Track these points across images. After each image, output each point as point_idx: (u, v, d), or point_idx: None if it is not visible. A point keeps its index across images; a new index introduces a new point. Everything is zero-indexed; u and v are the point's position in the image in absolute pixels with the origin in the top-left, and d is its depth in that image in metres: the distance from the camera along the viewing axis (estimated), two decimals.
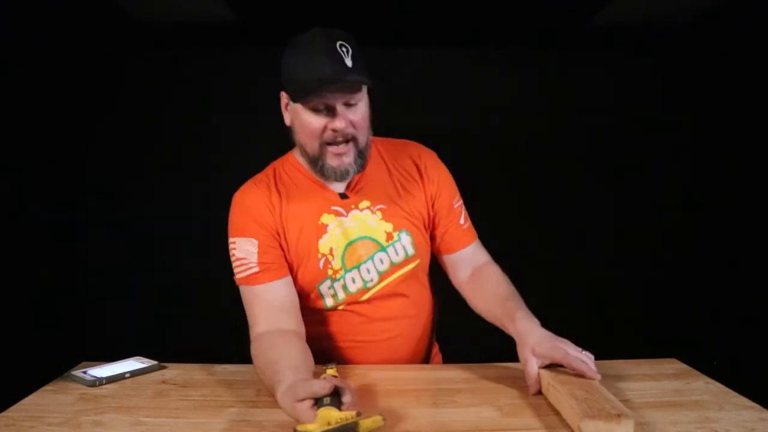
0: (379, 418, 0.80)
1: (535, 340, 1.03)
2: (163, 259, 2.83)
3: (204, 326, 2.69)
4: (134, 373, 1.08)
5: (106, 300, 2.85)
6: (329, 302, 1.21)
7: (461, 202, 1.32)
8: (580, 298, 2.87)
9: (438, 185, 1.27)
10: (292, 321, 1.12)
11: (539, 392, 0.99)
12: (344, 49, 1.05)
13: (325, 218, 1.19)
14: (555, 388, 0.92)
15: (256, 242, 1.15)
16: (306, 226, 1.18)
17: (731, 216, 2.82)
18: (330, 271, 1.18)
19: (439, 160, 1.31)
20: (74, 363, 1.12)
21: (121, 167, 2.85)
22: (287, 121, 1.19)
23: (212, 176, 2.70)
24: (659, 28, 2.62)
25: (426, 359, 1.33)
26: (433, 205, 1.27)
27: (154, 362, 1.14)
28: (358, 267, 1.19)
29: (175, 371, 1.11)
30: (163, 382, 1.06)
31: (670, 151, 2.92)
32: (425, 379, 1.13)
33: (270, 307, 1.12)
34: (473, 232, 1.33)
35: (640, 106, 2.91)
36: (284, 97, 1.16)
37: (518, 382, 1.05)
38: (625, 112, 2.90)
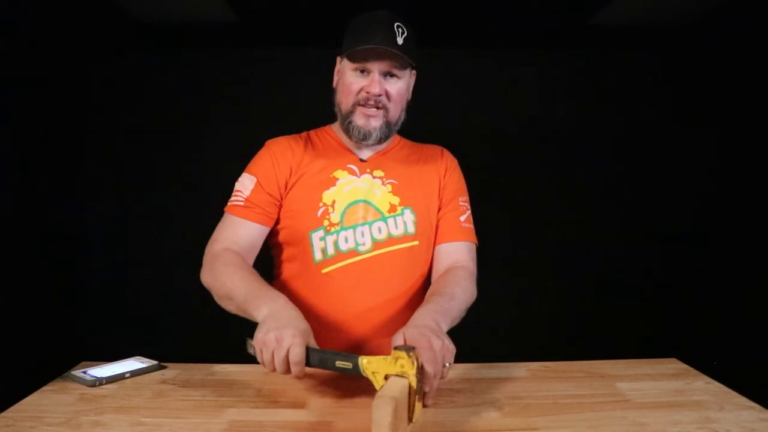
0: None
1: (410, 325, 0.96)
2: (164, 258, 2.83)
3: (204, 326, 2.69)
4: (134, 373, 1.08)
5: (106, 300, 2.85)
6: (318, 256, 1.22)
7: (468, 205, 1.34)
8: (580, 298, 2.87)
9: (450, 178, 1.33)
10: (249, 259, 1.22)
11: None
12: (399, 30, 1.17)
13: (338, 173, 1.26)
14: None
15: (255, 180, 1.24)
16: (317, 176, 1.25)
17: (731, 215, 2.82)
18: (326, 222, 1.22)
19: (458, 164, 1.38)
20: (74, 363, 1.12)
21: (120, 167, 2.85)
22: (334, 82, 1.30)
23: (212, 175, 2.70)
24: (659, 28, 2.63)
25: None
26: (439, 195, 1.32)
27: (154, 362, 1.13)
28: (354, 227, 1.22)
29: (175, 371, 1.11)
30: (163, 382, 1.05)
31: (671, 151, 2.92)
32: None
33: (238, 239, 1.21)
34: (470, 235, 1.31)
35: (641, 106, 2.91)
36: (338, 61, 1.28)
37: (518, 382, 1.06)
38: (625, 112, 2.90)
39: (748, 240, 2.78)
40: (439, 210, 1.31)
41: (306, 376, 1.06)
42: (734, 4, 2.32)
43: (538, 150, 2.90)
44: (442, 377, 0.89)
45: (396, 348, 0.85)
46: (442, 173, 1.33)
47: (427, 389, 0.86)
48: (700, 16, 2.46)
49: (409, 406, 0.83)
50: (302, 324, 0.96)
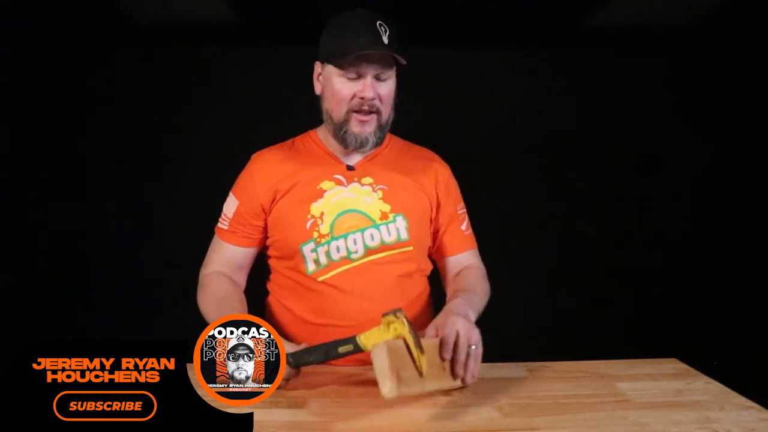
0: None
1: (440, 315, 1.05)
2: (164, 259, 2.83)
3: (203, 327, 2.69)
4: None
5: (105, 301, 2.85)
6: (311, 267, 1.21)
7: (465, 210, 1.35)
8: (580, 298, 2.87)
9: (446, 189, 1.32)
10: (237, 276, 1.28)
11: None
12: (383, 28, 1.15)
13: (325, 184, 1.23)
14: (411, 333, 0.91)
15: (237, 205, 1.26)
16: (304, 188, 1.23)
17: (731, 215, 2.82)
18: (316, 234, 1.20)
19: (450, 171, 1.36)
20: None
21: (121, 167, 2.85)
22: (317, 90, 1.25)
23: (213, 175, 2.70)
24: (659, 28, 2.63)
25: None
26: (438, 207, 1.30)
27: None
28: (345, 236, 1.20)
29: None
30: None
31: (671, 151, 2.92)
32: None
33: (226, 261, 1.28)
34: (473, 241, 1.35)
35: (640, 106, 2.91)
36: (318, 66, 1.24)
37: (518, 382, 1.06)
38: (625, 112, 2.90)
39: (747, 240, 2.78)
40: (440, 221, 1.31)
41: (305, 375, 1.07)
42: (734, 4, 2.32)
43: (537, 150, 2.90)
44: (470, 357, 0.97)
45: (384, 315, 0.90)
46: (441, 187, 1.30)
47: (446, 356, 0.94)
48: (700, 16, 2.46)
49: (414, 361, 0.88)
50: None
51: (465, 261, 1.32)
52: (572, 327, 2.80)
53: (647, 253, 2.92)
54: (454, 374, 0.96)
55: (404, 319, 0.88)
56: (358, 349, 0.93)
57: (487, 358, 1.17)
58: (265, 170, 1.26)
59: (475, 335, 0.99)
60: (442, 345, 0.95)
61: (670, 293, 2.89)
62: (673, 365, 1.16)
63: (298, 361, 0.97)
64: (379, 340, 0.90)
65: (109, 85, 2.82)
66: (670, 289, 2.89)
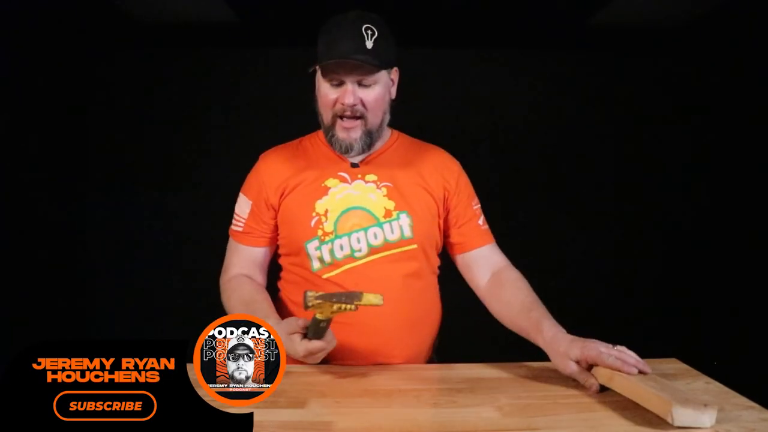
0: (380, 295, 0.98)
1: (565, 346, 1.05)
2: (164, 259, 2.83)
3: (203, 327, 2.69)
4: None
5: (105, 300, 2.85)
6: (315, 265, 1.22)
7: (479, 206, 1.34)
8: (580, 298, 2.86)
9: (458, 185, 1.31)
10: (259, 276, 1.31)
11: (599, 389, 0.99)
12: (369, 32, 1.14)
13: (330, 182, 1.24)
14: (623, 377, 0.94)
15: (250, 205, 1.28)
16: (309, 185, 1.24)
17: (732, 215, 2.83)
18: (320, 232, 1.21)
19: (461, 168, 1.35)
20: None
21: (121, 167, 2.85)
22: (316, 92, 1.26)
23: (213, 175, 2.71)
24: (659, 28, 2.63)
25: (415, 358, 1.27)
26: (450, 203, 1.30)
27: None
28: (349, 234, 1.21)
29: None
30: None
31: (671, 151, 2.93)
32: (425, 379, 1.13)
33: (245, 263, 1.30)
34: (491, 235, 1.33)
35: (640, 106, 2.91)
36: (318, 70, 1.24)
37: (518, 382, 1.06)
38: (625, 112, 2.90)
39: (748, 240, 2.78)
40: (453, 218, 1.30)
41: (305, 374, 1.07)
42: (734, 4, 2.32)
43: (537, 150, 2.90)
44: (625, 353, 1.00)
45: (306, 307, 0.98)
46: (452, 184, 1.29)
47: (632, 370, 0.95)
48: (700, 16, 2.46)
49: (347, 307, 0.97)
50: (280, 326, 1.04)
51: (487, 256, 1.31)
52: (572, 327, 2.80)
53: (647, 253, 2.92)
54: (629, 372, 0.97)
55: (314, 301, 0.96)
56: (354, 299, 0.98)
57: (487, 358, 1.17)
58: (273, 169, 1.28)
59: (602, 343, 1.04)
60: (616, 369, 0.96)
61: (670, 293, 2.90)
62: (673, 365, 1.16)
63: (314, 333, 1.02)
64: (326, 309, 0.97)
65: (109, 85, 2.82)
66: (670, 289, 2.89)
